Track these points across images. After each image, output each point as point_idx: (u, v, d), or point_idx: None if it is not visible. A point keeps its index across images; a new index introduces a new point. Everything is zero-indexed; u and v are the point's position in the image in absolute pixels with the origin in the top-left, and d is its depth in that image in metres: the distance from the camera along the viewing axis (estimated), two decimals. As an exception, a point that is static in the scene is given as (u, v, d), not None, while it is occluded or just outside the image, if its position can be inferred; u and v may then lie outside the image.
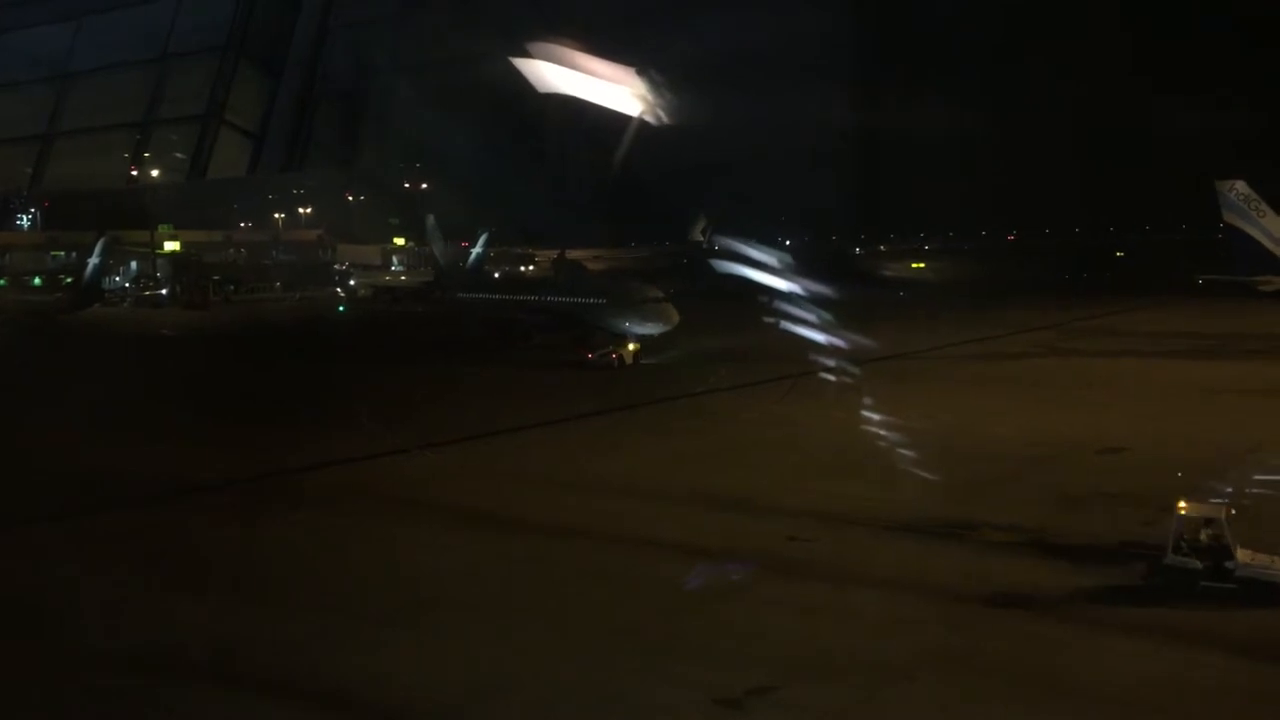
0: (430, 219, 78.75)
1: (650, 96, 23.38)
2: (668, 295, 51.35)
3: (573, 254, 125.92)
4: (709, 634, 16.05)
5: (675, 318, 49.56)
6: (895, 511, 22.18)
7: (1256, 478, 25.45)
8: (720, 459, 28.86)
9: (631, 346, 49.20)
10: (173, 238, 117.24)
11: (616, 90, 23.21)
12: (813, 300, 43.73)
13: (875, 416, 32.04)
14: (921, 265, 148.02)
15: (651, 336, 49.77)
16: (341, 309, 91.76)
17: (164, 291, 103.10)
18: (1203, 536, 17.59)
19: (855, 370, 40.57)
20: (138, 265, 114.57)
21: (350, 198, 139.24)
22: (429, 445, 30.27)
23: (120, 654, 15.83)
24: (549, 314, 57.78)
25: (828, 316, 42.80)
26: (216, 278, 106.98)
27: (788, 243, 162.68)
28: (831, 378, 37.77)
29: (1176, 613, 16.54)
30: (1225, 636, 15.59)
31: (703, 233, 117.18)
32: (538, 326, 57.30)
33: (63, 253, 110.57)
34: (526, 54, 22.48)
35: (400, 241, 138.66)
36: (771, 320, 43.16)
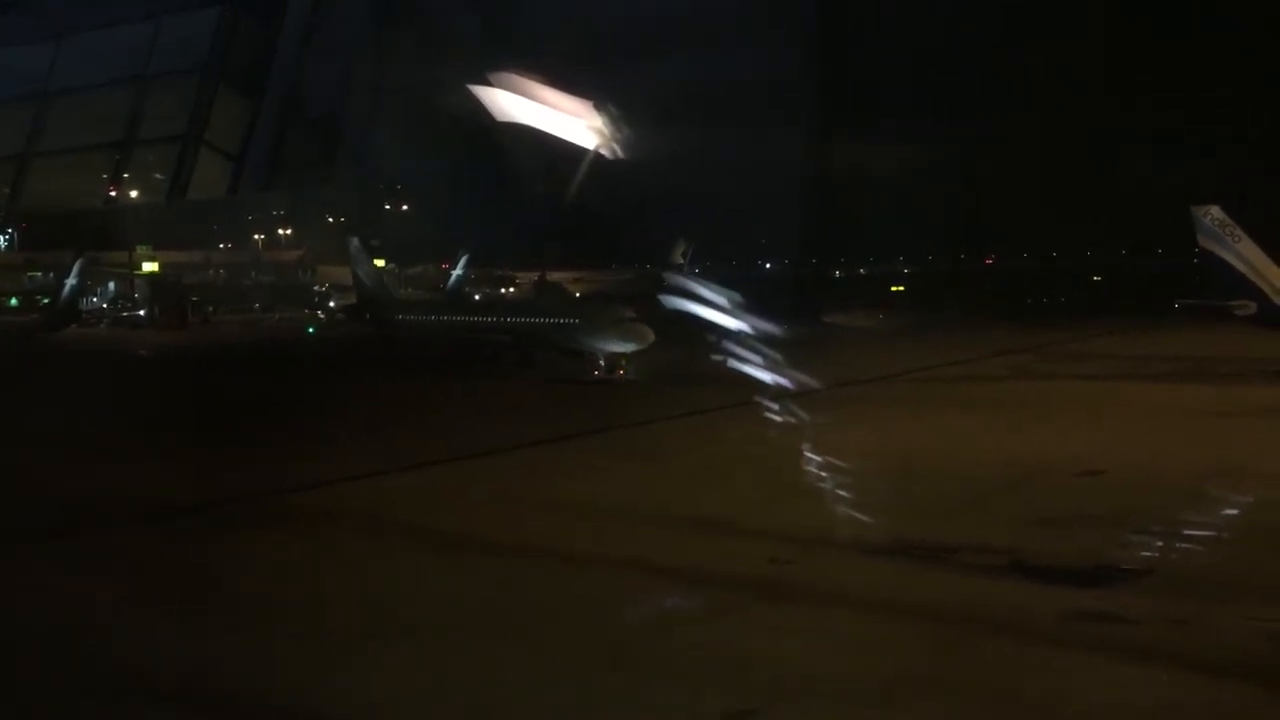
0: (354, 241, 77.41)
1: (625, 128, 23.49)
2: (641, 316, 52.27)
3: (554, 276, 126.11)
4: (690, 657, 15.96)
5: (650, 336, 50.60)
6: (875, 533, 22.17)
7: (1235, 499, 25.68)
8: (701, 480, 28.87)
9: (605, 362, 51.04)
10: (151, 258, 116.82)
11: (591, 122, 23.32)
12: (773, 338, 43.60)
13: (854, 439, 32.14)
14: (901, 289, 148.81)
15: (625, 355, 50.68)
16: (310, 330, 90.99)
17: (141, 312, 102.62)
18: None
19: (834, 394, 40.71)
20: (115, 286, 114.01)
21: (330, 219, 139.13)
22: (410, 466, 30.19)
23: (101, 677, 15.61)
24: (516, 334, 58.28)
25: (778, 355, 42.63)
26: (195, 299, 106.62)
27: (767, 265, 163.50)
28: (810, 401, 37.82)
29: (1159, 635, 16.54)
30: (1214, 659, 15.54)
31: (683, 255, 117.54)
32: (504, 346, 57.76)
33: (40, 273, 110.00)
34: (505, 83, 22.58)
35: (380, 263, 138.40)
36: (720, 358, 42.89)
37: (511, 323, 61.15)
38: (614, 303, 64.45)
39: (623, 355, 51.35)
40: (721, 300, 46.47)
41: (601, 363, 51.80)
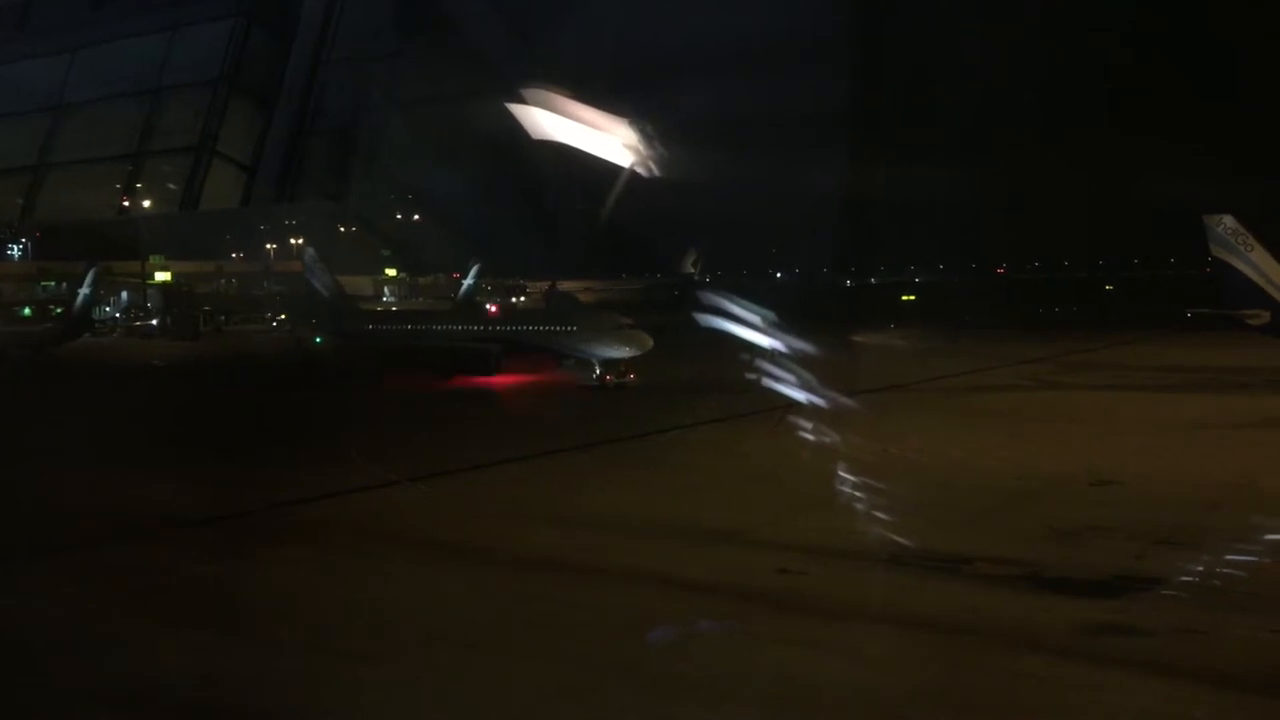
0: (310, 252, 76.51)
1: (642, 146, 23.39)
2: (646, 322, 53.10)
3: (564, 285, 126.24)
4: (702, 669, 15.92)
5: (649, 342, 51.33)
6: (887, 544, 22.07)
7: (1249, 510, 25.55)
8: (711, 492, 28.76)
9: (621, 367, 52.08)
10: (164, 268, 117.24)
11: (609, 138, 23.23)
12: (802, 355, 43.50)
13: (865, 449, 32.01)
14: (912, 298, 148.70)
15: (623, 360, 51.83)
16: (319, 340, 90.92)
17: (154, 322, 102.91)
18: None
19: (844, 403, 40.54)
20: (128, 296, 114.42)
21: (342, 229, 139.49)
22: (418, 479, 30.17)
23: (106, 691, 15.62)
24: (502, 343, 58.61)
25: (808, 362, 42.44)
26: (207, 308, 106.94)
27: (778, 275, 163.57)
28: (820, 411, 37.67)
29: (1175, 647, 16.43)
30: (1232, 671, 15.45)
31: (694, 265, 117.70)
32: (491, 355, 58.01)
33: (53, 283, 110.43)
34: (520, 97, 22.50)
35: (392, 273, 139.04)
36: (755, 377, 42.81)
37: (498, 331, 61.40)
38: (609, 310, 65.08)
39: (621, 361, 51.98)
40: (755, 318, 46.72)
41: (597, 370, 52.32)
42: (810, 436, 35.24)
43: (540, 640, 17.31)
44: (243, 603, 19.73)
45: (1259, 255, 51.27)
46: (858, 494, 26.90)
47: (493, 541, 23.67)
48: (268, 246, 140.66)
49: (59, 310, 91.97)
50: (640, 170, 23.78)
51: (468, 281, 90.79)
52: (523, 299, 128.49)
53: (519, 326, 62.64)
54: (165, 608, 19.35)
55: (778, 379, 41.40)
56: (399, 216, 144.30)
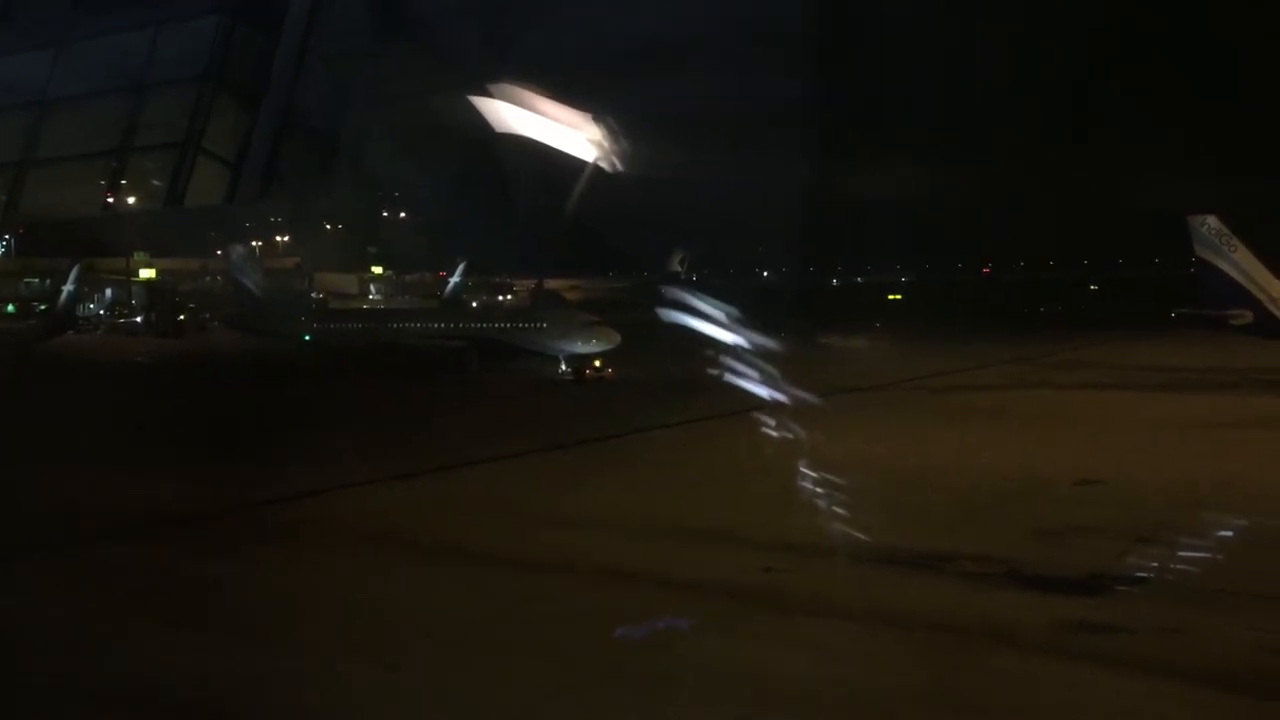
0: (238, 249, 75.96)
1: (620, 143, 23.39)
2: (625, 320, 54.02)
3: (551, 284, 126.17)
4: (688, 668, 15.92)
5: (616, 338, 52.19)
6: (871, 543, 22.09)
7: (1233, 510, 25.68)
8: (696, 491, 28.81)
9: (598, 363, 53.33)
10: (148, 265, 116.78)
11: (589, 136, 23.22)
12: (769, 352, 43.47)
13: (848, 449, 32.02)
14: (898, 297, 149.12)
15: (598, 356, 53.15)
16: (306, 337, 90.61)
17: (138, 319, 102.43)
18: None
19: (827, 404, 40.58)
20: (112, 293, 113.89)
21: (327, 226, 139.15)
22: (404, 476, 30.10)
23: (106, 691, 15.57)
24: (479, 341, 58.80)
25: (790, 361, 42.40)
26: (192, 305, 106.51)
27: (765, 274, 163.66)
28: (802, 411, 37.69)
29: (1156, 645, 16.53)
30: (1212, 669, 15.52)
31: (680, 264, 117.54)
32: (464, 352, 58.16)
33: (36, 280, 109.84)
34: (503, 94, 22.47)
35: (378, 270, 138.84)
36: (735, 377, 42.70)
37: (464, 329, 61.45)
38: (571, 306, 65.79)
39: (591, 357, 52.46)
40: (718, 314, 46.71)
41: (563, 365, 52.68)
42: (790, 437, 35.21)
43: (537, 639, 17.28)
44: (242, 602, 19.68)
45: (1242, 255, 51.56)
46: (841, 494, 26.89)
47: (490, 540, 23.65)
48: (253, 243, 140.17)
49: (43, 307, 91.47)
50: (614, 167, 23.80)
51: (454, 280, 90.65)
52: (509, 297, 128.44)
53: (486, 324, 62.79)
54: (165, 608, 19.28)
55: (760, 379, 41.34)
56: (385, 214, 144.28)
